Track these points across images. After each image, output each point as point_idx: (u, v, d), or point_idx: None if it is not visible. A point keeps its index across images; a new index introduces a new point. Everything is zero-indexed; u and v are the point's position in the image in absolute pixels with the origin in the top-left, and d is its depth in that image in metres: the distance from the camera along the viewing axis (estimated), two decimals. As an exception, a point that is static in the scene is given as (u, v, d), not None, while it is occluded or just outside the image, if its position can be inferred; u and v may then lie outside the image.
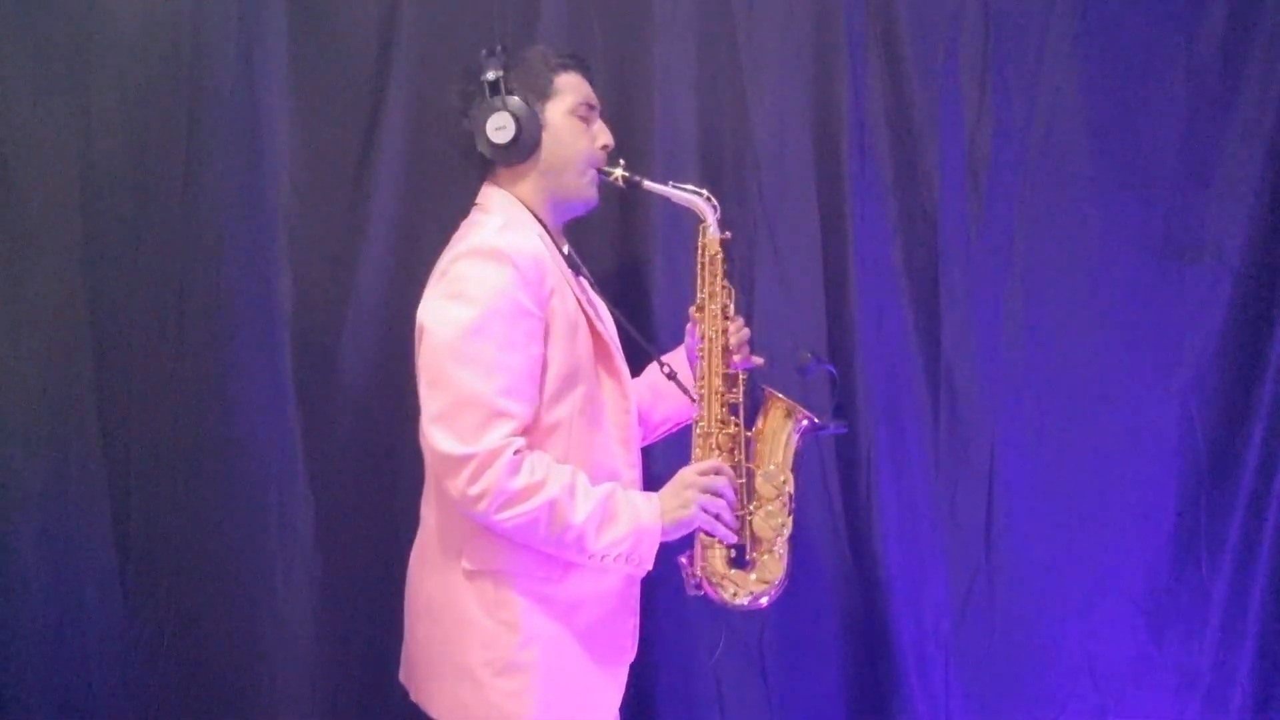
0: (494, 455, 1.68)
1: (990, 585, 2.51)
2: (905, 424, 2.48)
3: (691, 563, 1.91)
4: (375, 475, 2.33)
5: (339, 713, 2.35)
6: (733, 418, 1.93)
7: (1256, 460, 2.48)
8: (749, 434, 1.94)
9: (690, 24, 2.39)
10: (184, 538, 2.28)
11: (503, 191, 1.90)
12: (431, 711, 1.86)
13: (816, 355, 2.11)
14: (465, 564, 1.80)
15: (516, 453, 1.70)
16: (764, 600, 1.90)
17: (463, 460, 1.68)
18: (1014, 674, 2.52)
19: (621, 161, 1.95)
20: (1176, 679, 2.53)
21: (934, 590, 2.49)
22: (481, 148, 1.86)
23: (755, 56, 2.41)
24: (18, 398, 2.21)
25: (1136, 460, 2.51)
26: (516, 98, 1.85)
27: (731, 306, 1.97)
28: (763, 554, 1.91)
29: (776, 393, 1.95)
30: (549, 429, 1.79)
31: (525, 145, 1.85)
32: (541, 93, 1.87)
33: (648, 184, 1.95)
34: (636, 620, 1.94)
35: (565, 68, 1.90)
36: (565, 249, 1.95)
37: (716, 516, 1.85)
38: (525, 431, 1.74)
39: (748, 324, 2.01)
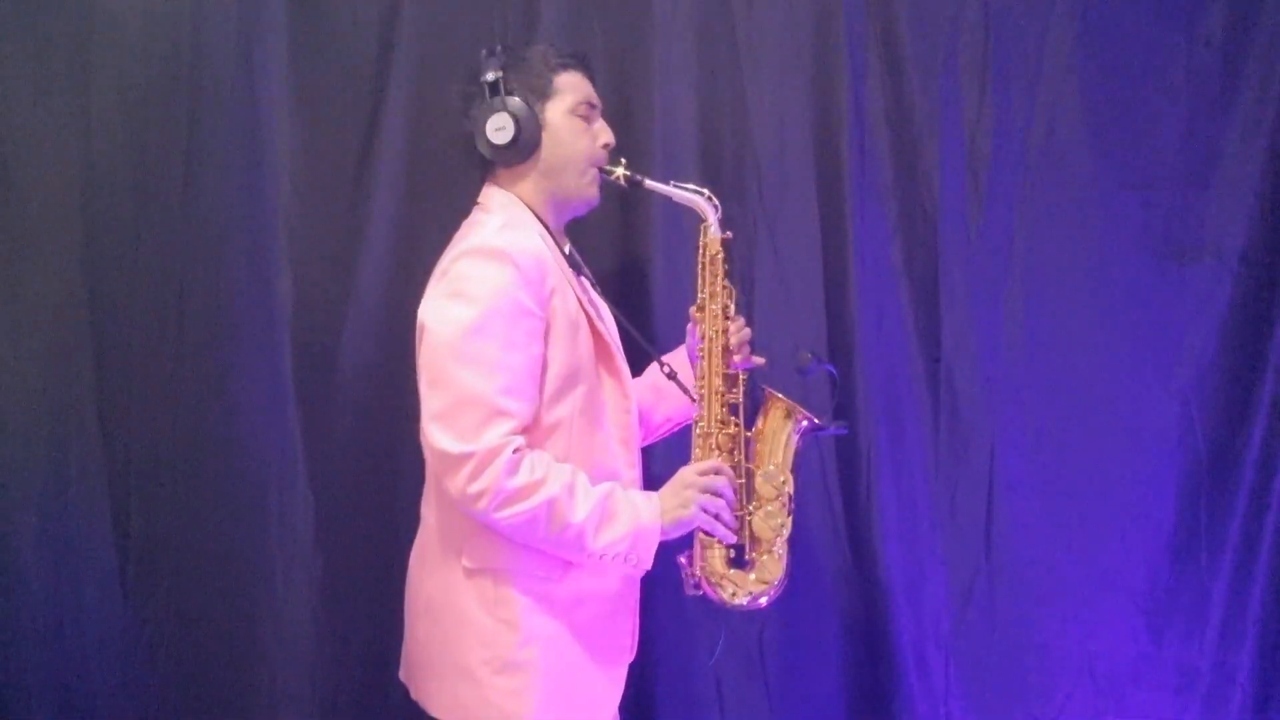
0: (493, 454, 1.68)
1: (990, 585, 2.51)
2: (905, 424, 2.48)
3: (691, 562, 1.91)
4: (375, 475, 2.33)
5: (339, 713, 2.35)
6: (733, 418, 1.94)
7: (1256, 460, 2.48)
8: (749, 434, 1.94)
9: (690, 24, 2.39)
10: (184, 538, 2.28)
11: (504, 191, 1.90)
12: (431, 710, 1.86)
13: (817, 356, 2.11)
14: (465, 563, 1.80)
15: (516, 451, 1.70)
16: (763, 600, 1.91)
17: (462, 459, 1.68)
18: (1014, 674, 2.52)
19: (623, 160, 1.95)
20: (1176, 679, 2.53)
21: (934, 590, 2.49)
22: (481, 148, 1.86)
23: (755, 56, 2.41)
24: (18, 398, 2.21)
25: (1136, 460, 2.51)
26: (516, 98, 1.85)
27: (732, 306, 1.97)
28: (762, 554, 1.91)
29: (776, 393, 1.95)
30: (549, 428, 1.79)
31: (525, 146, 1.85)
32: (541, 92, 1.87)
33: (649, 183, 1.95)
34: (636, 620, 1.94)
35: (565, 67, 1.90)
36: (566, 248, 1.95)
37: (716, 516, 1.85)
38: (525, 431, 1.74)
39: (747, 324, 2.01)
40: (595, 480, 1.79)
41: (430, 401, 1.73)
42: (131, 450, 2.27)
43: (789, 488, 1.92)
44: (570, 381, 1.81)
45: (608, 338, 1.91)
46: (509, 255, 1.74)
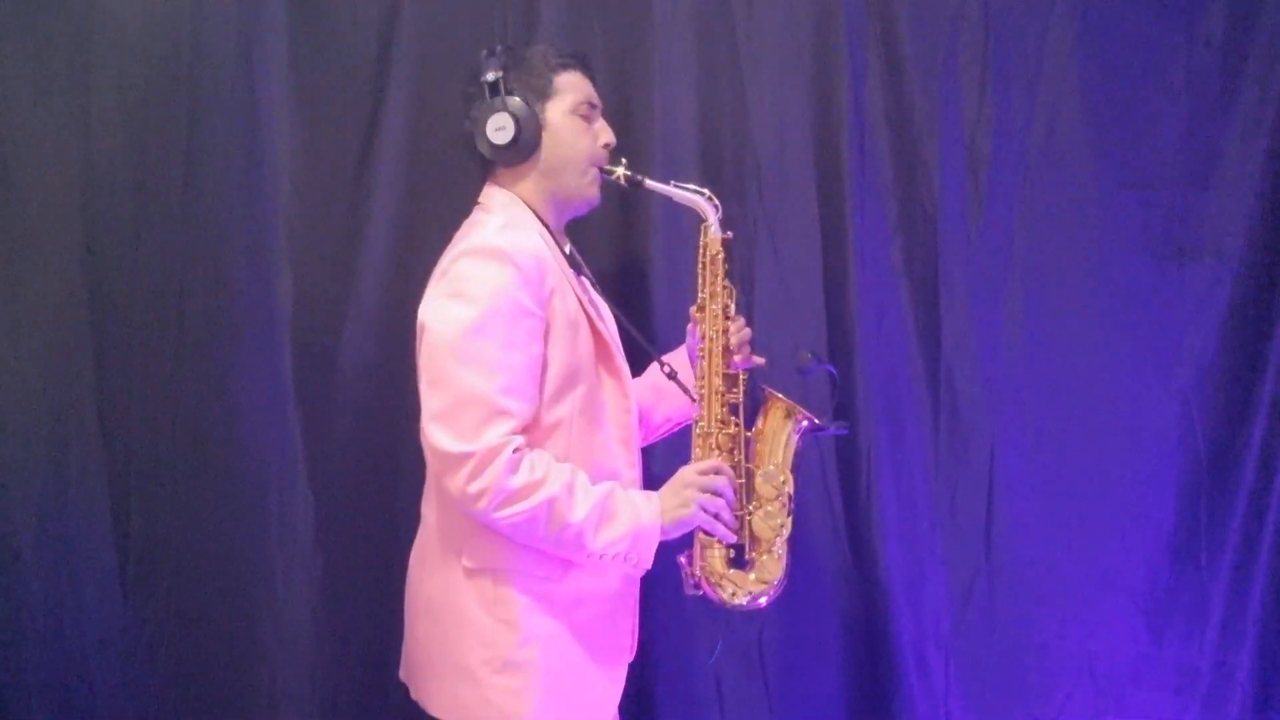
0: (493, 453, 1.68)
1: (990, 585, 2.51)
2: (905, 424, 2.48)
3: (690, 562, 1.91)
4: (375, 475, 2.33)
5: (339, 713, 2.35)
6: (733, 418, 1.94)
7: (1256, 460, 2.48)
8: (749, 434, 1.94)
9: (690, 24, 2.39)
10: (184, 538, 2.28)
11: (504, 191, 1.90)
12: (431, 710, 1.86)
13: (817, 356, 2.11)
14: (465, 562, 1.80)
15: (516, 451, 1.70)
16: (763, 600, 1.91)
17: (462, 458, 1.68)
18: (1014, 674, 2.52)
19: (623, 160, 1.95)
20: (1176, 679, 2.53)
21: (934, 590, 2.49)
22: (482, 148, 1.87)
23: (755, 56, 2.41)
24: (18, 398, 2.21)
25: (1136, 460, 2.51)
26: (516, 98, 1.85)
27: (733, 306, 1.97)
28: (762, 554, 1.91)
29: (777, 393, 1.95)
30: (549, 428, 1.79)
31: (525, 146, 1.85)
32: (541, 92, 1.87)
33: (650, 183, 1.95)
34: (636, 619, 1.94)
35: (566, 67, 1.90)
36: (567, 248, 1.95)
37: (716, 516, 1.85)
38: (525, 430, 1.74)
39: (747, 324, 2.01)
40: (595, 480, 1.79)
41: (430, 401, 1.73)
42: (131, 450, 2.27)
43: (789, 488, 1.92)
44: (570, 381, 1.81)
45: (608, 337, 1.91)
46: (509, 255, 1.74)
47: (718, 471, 1.87)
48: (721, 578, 1.90)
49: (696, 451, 1.92)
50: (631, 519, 1.78)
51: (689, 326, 2.07)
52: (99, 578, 2.26)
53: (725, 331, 1.95)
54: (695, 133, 2.40)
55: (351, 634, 2.34)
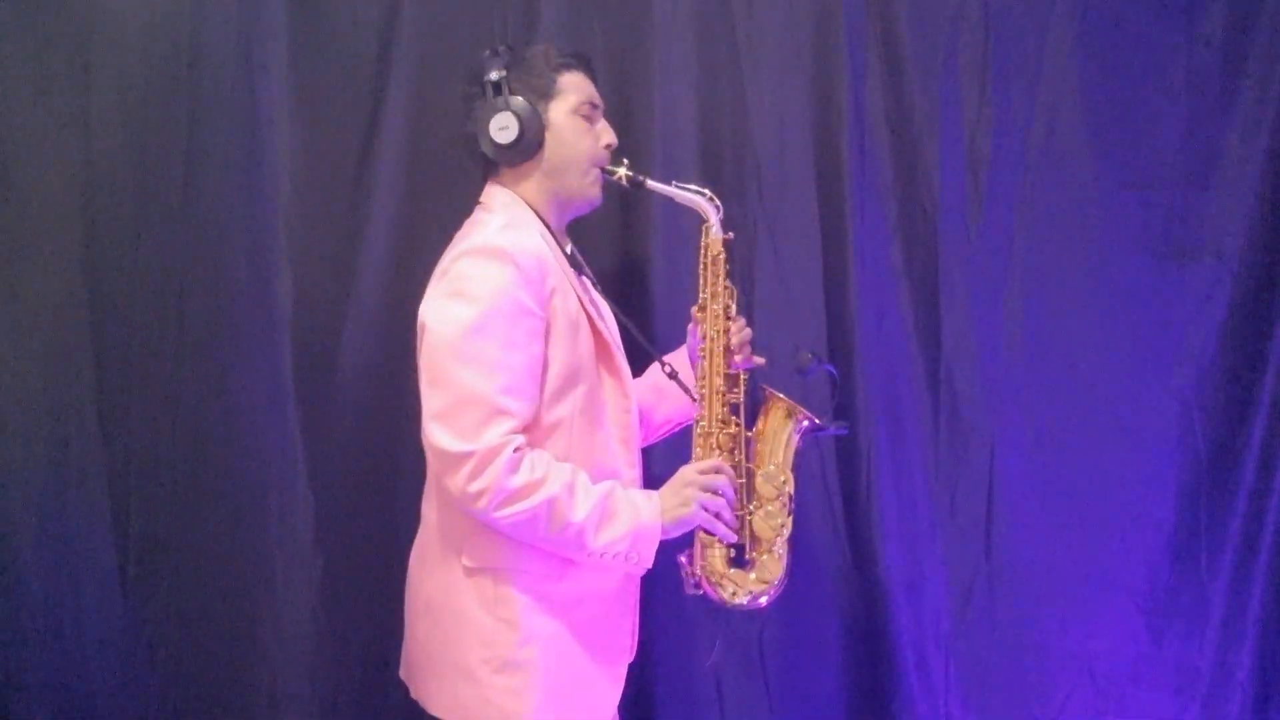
0: (494, 453, 1.68)
1: (990, 585, 2.51)
2: (905, 424, 2.48)
3: (691, 562, 1.91)
4: (375, 475, 2.33)
5: (339, 713, 2.35)
6: (733, 418, 1.94)
7: (1256, 460, 2.48)
8: (749, 434, 1.94)
9: (690, 24, 2.39)
10: (184, 538, 2.28)
11: (506, 191, 1.90)
12: (431, 709, 1.86)
13: (817, 356, 2.11)
14: (465, 561, 1.80)
15: (516, 450, 1.70)
16: (763, 600, 1.91)
17: (462, 458, 1.68)
18: (1014, 674, 2.52)
19: (625, 161, 1.95)
20: (1176, 679, 2.53)
21: (934, 590, 2.49)
22: (485, 148, 1.86)
23: (755, 56, 2.41)
24: (18, 398, 2.21)
25: (1136, 460, 2.51)
26: (519, 98, 1.85)
27: (734, 307, 1.97)
28: (762, 554, 1.91)
29: (777, 393, 1.95)
30: (550, 428, 1.79)
31: (528, 145, 1.85)
32: (544, 92, 1.87)
33: (651, 183, 1.96)
34: (636, 619, 1.94)
35: (568, 67, 1.90)
36: (568, 248, 1.95)
37: (717, 515, 1.85)
38: (526, 430, 1.74)
39: (747, 324, 2.01)
40: (595, 480, 1.79)
41: (431, 401, 1.73)
42: (131, 450, 2.27)
43: (789, 487, 1.92)
44: (570, 381, 1.81)
45: (608, 337, 1.91)
46: (509, 255, 1.74)
47: (719, 471, 1.87)
48: (722, 577, 1.90)
49: (697, 451, 1.93)
50: (632, 518, 1.78)
51: (690, 327, 2.07)
52: (99, 578, 2.26)
53: (726, 332, 1.95)
54: (695, 133, 2.40)
55: (351, 634, 2.34)
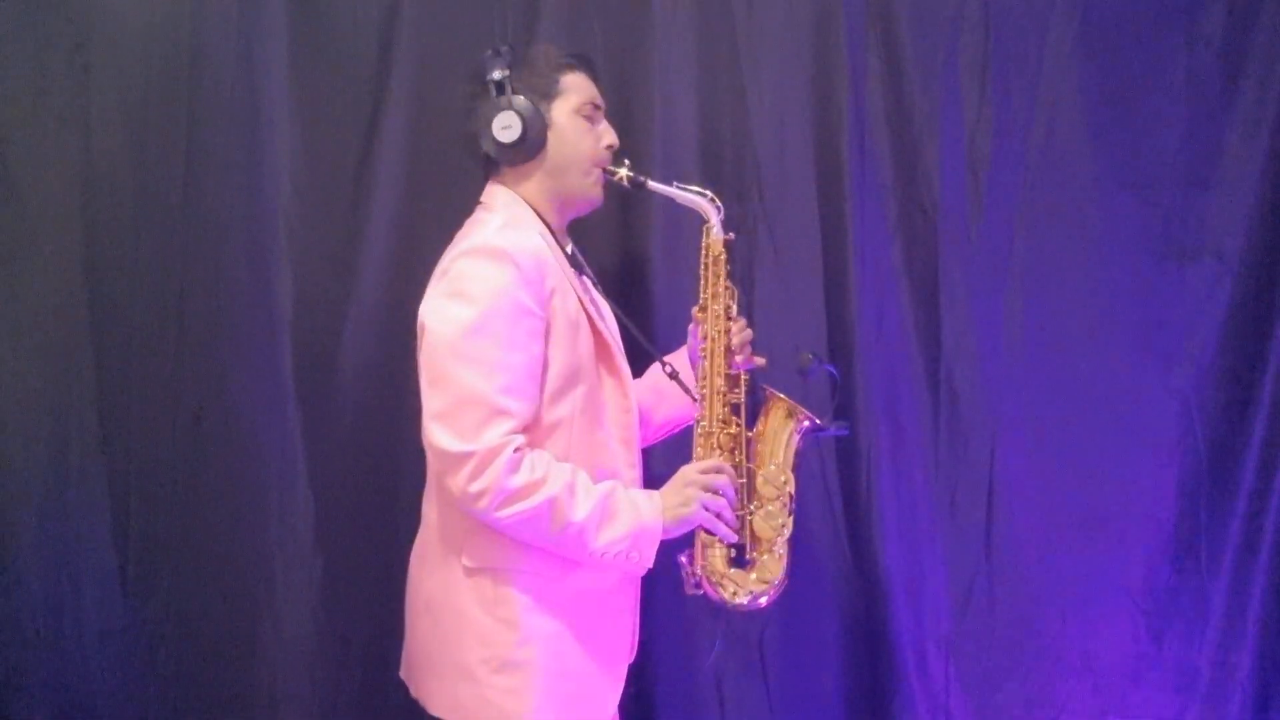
0: (494, 453, 1.68)
1: (990, 585, 2.51)
2: (905, 424, 2.48)
3: (691, 561, 1.91)
4: (375, 475, 2.33)
5: (339, 713, 2.35)
6: (734, 418, 1.94)
7: (1256, 460, 2.48)
8: (750, 434, 1.94)
9: (690, 24, 2.39)
10: (184, 538, 2.28)
11: (507, 190, 1.90)
12: (431, 709, 1.86)
13: (818, 357, 2.11)
14: (465, 561, 1.80)
15: (516, 450, 1.70)
16: (763, 600, 1.90)
17: (463, 458, 1.68)
18: (1014, 674, 2.52)
19: (626, 161, 1.95)
20: (1176, 679, 2.53)
21: (934, 590, 2.49)
22: (487, 147, 1.86)
23: (755, 56, 2.41)
24: (18, 398, 2.21)
25: (1136, 460, 2.51)
26: (522, 97, 1.85)
27: (734, 307, 1.97)
28: (763, 554, 1.91)
29: (778, 393, 1.95)
30: (550, 428, 1.79)
31: (531, 145, 1.85)
32: (546, 92, 1.87)
33: (652, 184, 1.95)
34: (636, 619, 1.94)
35: (570, 67, 1.90)
36: (569, 248, 1.95)
37: (717, 515, 1.85)
38: (526, 430, 1.74)
39: (748, 324, 2.01)
40: (595, 480, 1.79)
41: (431, 401, 1.73)
42: (131, 450, 2.27)
43: (790, 487, 1.92)
44: (570, 381, 1.81)
45: (608, 337, 1.91)
46: (509, 254, 1.74)
47: (719, 470, 1.87)
48: (722, 577, 1.90)
49: (698, 451, 1.92)
50: (633, 518, 1.78)
51: (690, 327, 2.07)
52: (99, 578, 2.26)
53: (727, 332, 1.95)
54: (695, 133, 2.40)
55: (351, 634, 2.34)
